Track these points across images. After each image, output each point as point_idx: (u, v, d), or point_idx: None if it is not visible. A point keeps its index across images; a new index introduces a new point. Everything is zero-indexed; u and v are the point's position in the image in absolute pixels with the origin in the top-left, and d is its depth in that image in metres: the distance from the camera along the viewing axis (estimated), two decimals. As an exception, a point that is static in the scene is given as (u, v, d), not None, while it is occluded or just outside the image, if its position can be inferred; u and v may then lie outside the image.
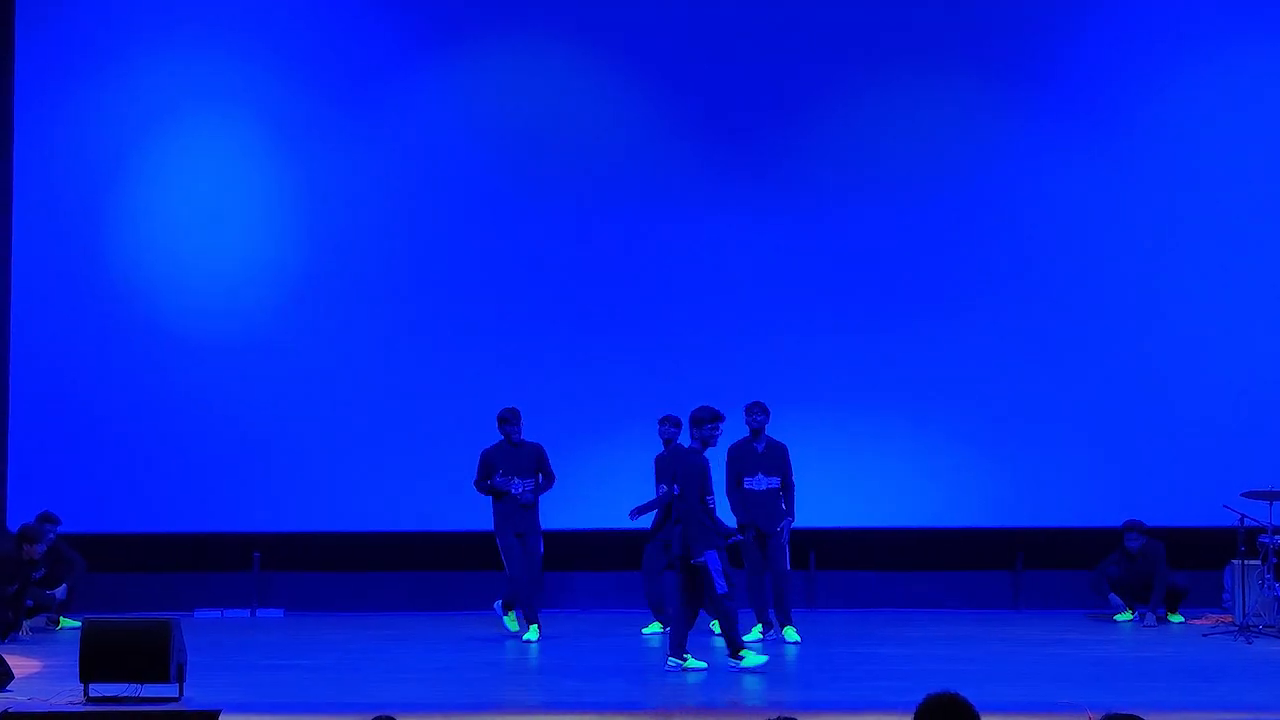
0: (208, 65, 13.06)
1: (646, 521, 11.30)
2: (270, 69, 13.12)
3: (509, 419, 11.24)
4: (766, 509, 10.98)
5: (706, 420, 9.72)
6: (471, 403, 12.65)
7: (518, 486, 11.15)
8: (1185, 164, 13.06)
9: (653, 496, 11.18)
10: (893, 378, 12.81)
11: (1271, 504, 11.33)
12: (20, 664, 9.31)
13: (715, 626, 10.87)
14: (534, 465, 11.24)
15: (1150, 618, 12.06)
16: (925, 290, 12.98)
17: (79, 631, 8.46)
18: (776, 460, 11.00)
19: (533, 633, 11.05)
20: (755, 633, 10.86)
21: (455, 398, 12.69)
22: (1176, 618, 12.13)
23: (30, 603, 11.56)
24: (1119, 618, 12.32)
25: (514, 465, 11.19)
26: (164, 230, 12.96)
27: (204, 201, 12.97)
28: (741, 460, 11.02)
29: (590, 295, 12.99)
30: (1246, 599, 11.56)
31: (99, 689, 8.28)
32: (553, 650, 10.77)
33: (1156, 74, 13.14)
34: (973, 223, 13.04)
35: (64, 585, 11.93)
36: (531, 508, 11.16)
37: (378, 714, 5.66)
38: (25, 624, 11.40)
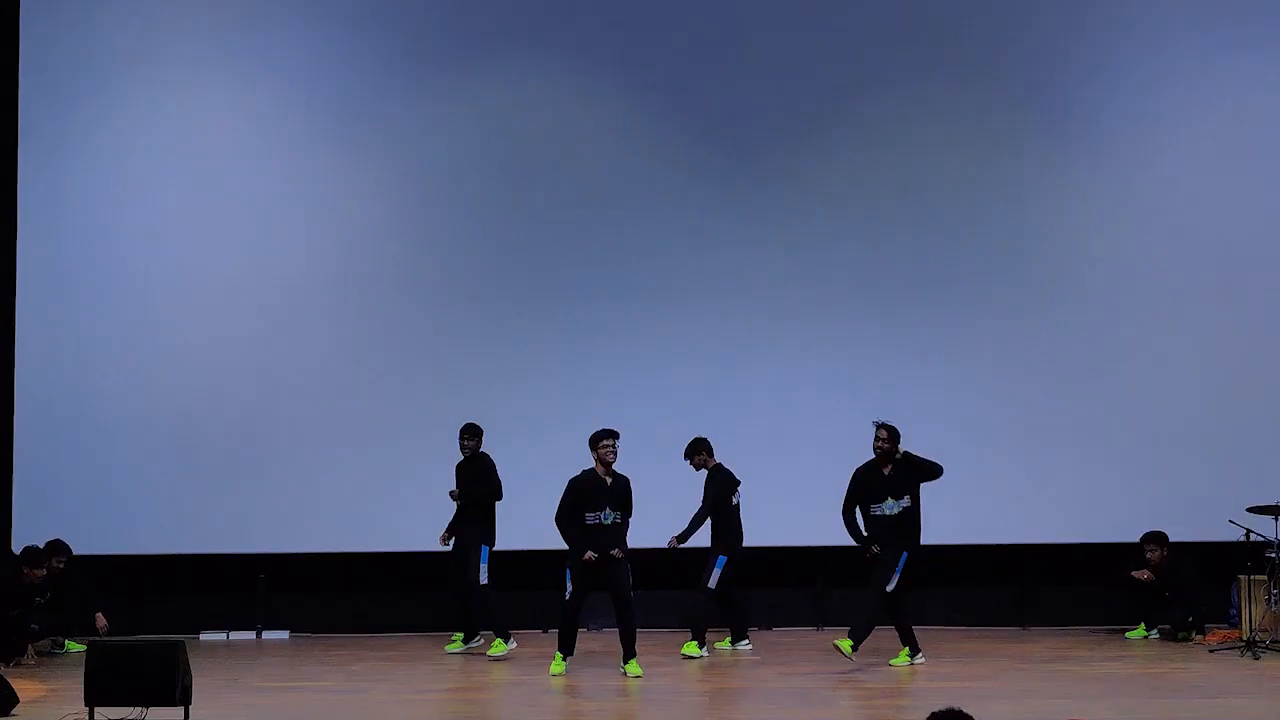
0: (209, 81, 13.08)
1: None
2: (268, 86, 13.13)
3: (461, 434, 11.52)
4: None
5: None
6: (481, 423, 12.66)
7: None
8: (1190, 181, 13.06)
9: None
10: (896, 396, 12.77)
11: (1277, 519, 11.33)
12: (25, 688, 9.31)
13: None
14: (473, 480, 11.35)
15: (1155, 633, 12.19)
16: (929, 309, 12.97)
17: (84, 655, 8.44)
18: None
19: (497, 646, 11.23)
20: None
21: (461, 418, 12.66)
22: (1184, 635, 12.10)
23: (35, 627, 11.55)
24: (1129, 634, 12.30)
25: (460, 481, 11.47)
26: (168, 254, 12.94)
27: (208, 225, 12.96)
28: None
29: (594, 315, 12.97)
30: (1253, 614, 11.54)
31: (104, 712, 8.26)
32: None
33: (1160, 94, 13.15)
34: (975, 241, 13.02)
35: (98, 614, 11.87)
36: (463, 523, 11.33)
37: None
38: (30, 648, 11.39)
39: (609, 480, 10.44)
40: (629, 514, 10.48)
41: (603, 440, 10.43)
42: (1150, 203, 13.09)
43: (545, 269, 13.04)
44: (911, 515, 10.76)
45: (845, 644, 10.45)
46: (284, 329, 12.95)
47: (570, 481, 10.45)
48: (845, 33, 13.18)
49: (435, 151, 13.15)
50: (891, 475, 10.75)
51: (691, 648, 11.23)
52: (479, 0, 13.25)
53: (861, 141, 13.15)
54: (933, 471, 10.76)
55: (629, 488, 10.48)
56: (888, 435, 10.75)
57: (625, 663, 10.31)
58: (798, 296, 12.99)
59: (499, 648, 11.25)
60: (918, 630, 12.74)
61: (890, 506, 10.71)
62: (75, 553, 12.07)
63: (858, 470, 10.87)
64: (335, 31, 13.17)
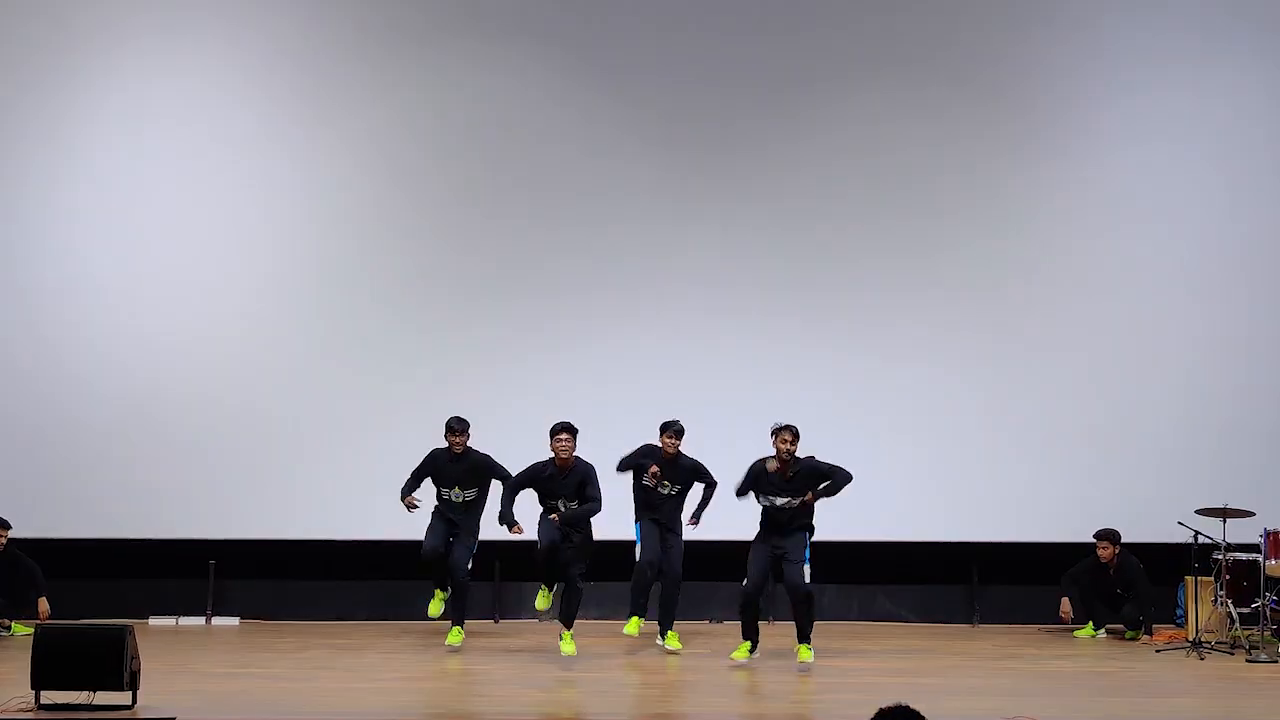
0: (159, 65, 13.01)
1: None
2: (221, 70, 13.06)
3: (450, 429, 11.21)
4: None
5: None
6: (431, 411, 12.61)
7: (458, 496, 11.22)
8: (1157, 185, 13.13)
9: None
10: (850, 392, 12.84)
11: (1224, 521, 11.45)
12: (-29, 670, 9.24)
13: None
14: (474, 477, 11.19)
15: (1103, 632, 12.30)
16: (887, 308, 13.01)
17: (31, 638, 8.39)
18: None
19: (454, 636, 11.10)
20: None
21: (414, 405, 12.66)
22: (1132, 634, 12.21)
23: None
24: (1077, 634, 12.39)
25: (450, 476, 11.20)
26: (119, 231, 12.87)
27: (159, 204, 12.89)
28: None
29: (558, 306, 12.97)
30: (1199, 615, 11.65)
31: (50, 696, 8.21)
32: (512, 660, 10.75)
33: (1136, 91, 13.22)
34: (941, 241, 13.06)
35: (42, 597, 11.81)
36: (464, 514, 11.20)
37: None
38: (-23, 631, 11.33)
39: (564, 473, 10.52)
40: (588, 501, 10.49)
41: (556, 435, 10.51)
42: (1113, 205, 13.15)
43: (521, 262, 13.00)
44: (805, 514, 10.58)
45: (805, 653, 10.44)
46: (240, 314, 12.89)
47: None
48: (831, 25, 13.19)
49: (410, 142, 13.11)
50: (793, 479, 10.45)
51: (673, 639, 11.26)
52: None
53: (842, 135, 13.15)
54: (841, 478, 10.53)
55: (588, 477, 10.51)
56: (793, 438, 10.41)
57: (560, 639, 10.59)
58: (764, 298, 13.01)
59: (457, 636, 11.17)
60: (868, 624, 12.87)
61: (781, 502, 10.49)
62: (25, 536, 11.99)
63: (756, 465, 10.53)
64: (306, 18, 13.12)
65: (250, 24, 13.08)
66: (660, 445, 11.25)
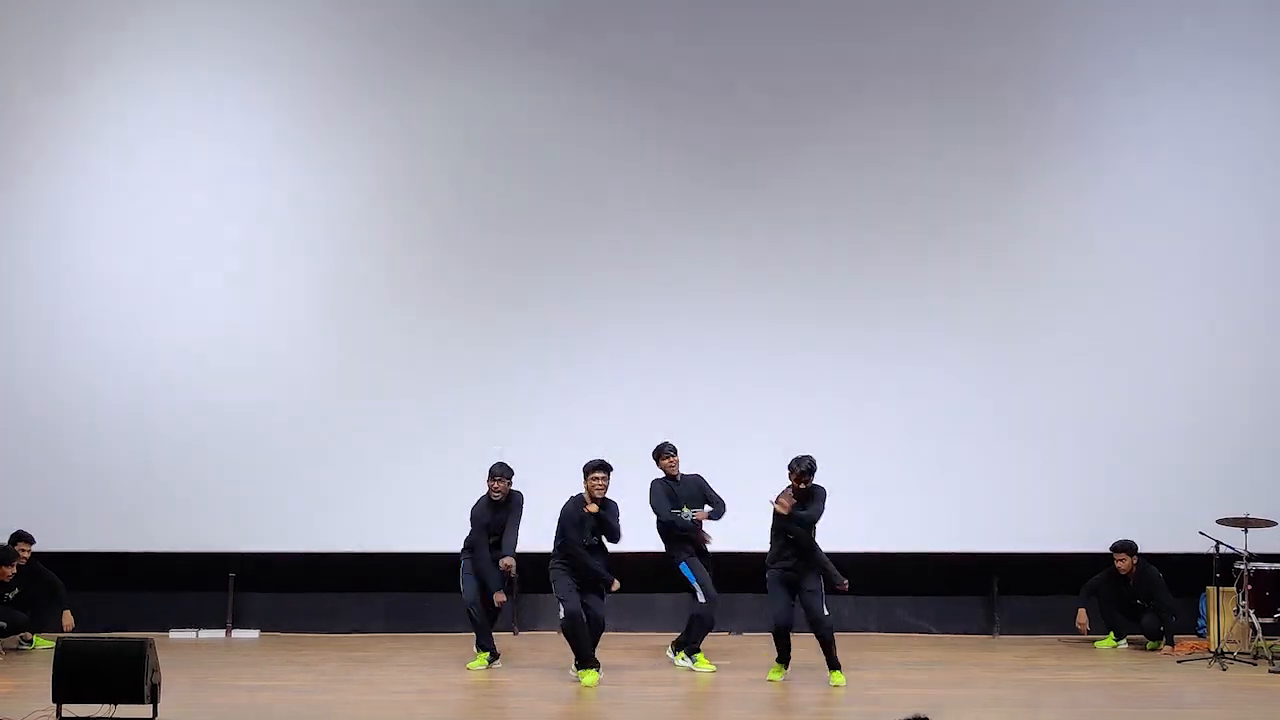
0: (182, 79, 13.06)
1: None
2: (243, 85, 13.11)
3: (493, 474, 11.08)
4: None
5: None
6: (448, 424, 12.66)
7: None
8: (1166, 188, 13.10)
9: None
10: (868, 402, 12.81)
11: (1246, 530, 11.40)
12: (-8, 683, 9.27)
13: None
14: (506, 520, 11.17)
15: (1124, 643, 12.25)
16: (903, 317, 12.99)
17: (53, 651, 8.41)
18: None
19: (478, 660, 11.05)
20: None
21: (432, 419, 12.68)
22: (1153, 645, 12.16)
23: (3, 625, 11.50)
24: (1098, 644, 12.34)
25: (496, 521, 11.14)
26: (138, 247, 12.90)
27: (179, 219, 12.93)
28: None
29: (575, 318, 12.97)
30: (1221, 626, 11.61)
31: (72, 710, 8.24)
32: (529, 673, 10.74)
33: (1139, 99, 13.20)
34: (954, 246, 13.04)
35: (66, 610, 11.85)
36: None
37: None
38: (-2, 644, 11.36)
39: (598, 507, 10.36)
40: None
41: (592, 474, 10.34)
42: (1133, 213, 13.10)
43: (525, 271, 13.01)
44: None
45: (838, 677, 10.31)
46: (256, 328, 12.90)
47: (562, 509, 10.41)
48: (833, 37, 13.19)
49: (413, 152, 13.13)
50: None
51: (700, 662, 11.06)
52: (458, 2, 13.27)
53: (845, 145, 13.14)
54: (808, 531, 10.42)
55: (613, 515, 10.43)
56: (805, 472, 10.31)
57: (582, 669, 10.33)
58: (779, 307, 12.99)
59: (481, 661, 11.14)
60: (887, 635, 12.84)
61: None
62: (45, 549, 12.03)
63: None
64: (318, 36, 13.16)
65: (265, 34, 13.12)
66: (663, 471, 11.14)
